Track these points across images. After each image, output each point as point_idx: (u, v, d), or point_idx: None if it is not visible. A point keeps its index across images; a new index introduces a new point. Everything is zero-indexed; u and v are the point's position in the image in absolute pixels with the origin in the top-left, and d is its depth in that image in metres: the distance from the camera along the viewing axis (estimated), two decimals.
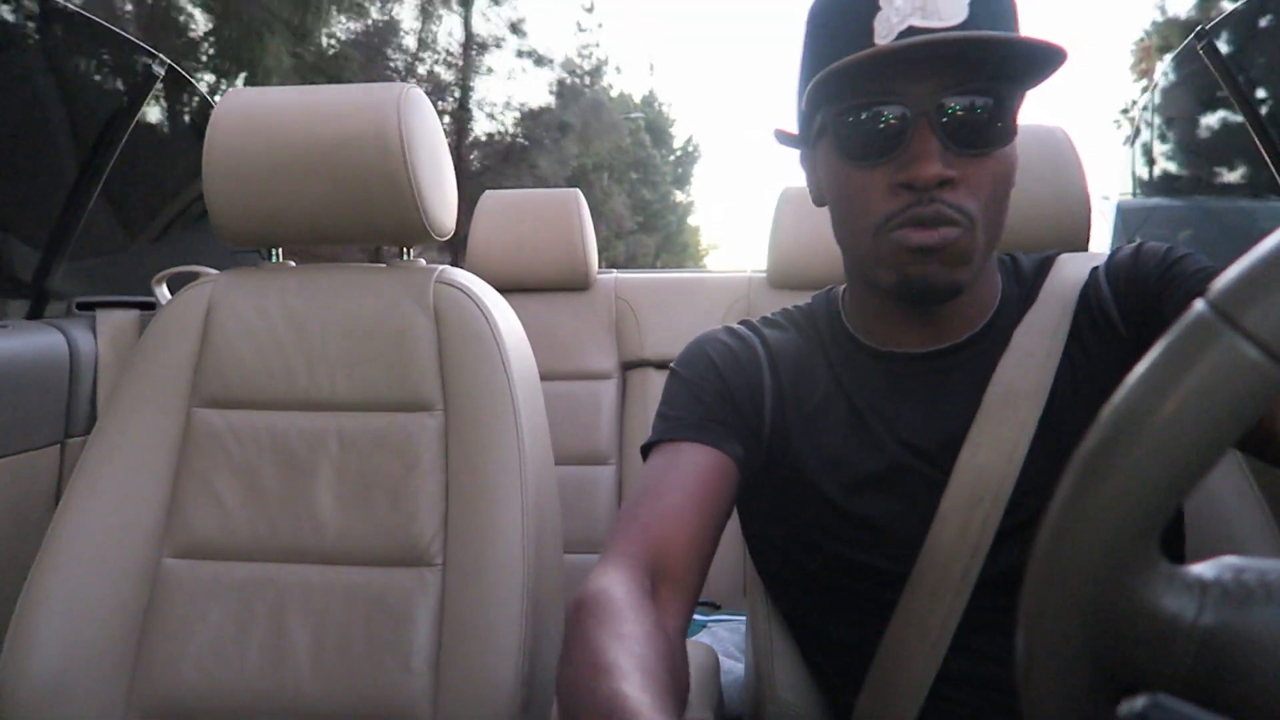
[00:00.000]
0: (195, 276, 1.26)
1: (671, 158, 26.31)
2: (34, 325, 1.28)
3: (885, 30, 0.68)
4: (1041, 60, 0.69)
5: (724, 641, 1.03)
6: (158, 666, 0.99)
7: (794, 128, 0.84)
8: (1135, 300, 0.76)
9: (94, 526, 1.02)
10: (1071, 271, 0.81)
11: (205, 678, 0.99)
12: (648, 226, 23.46)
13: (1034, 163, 1.26)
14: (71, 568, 1.00)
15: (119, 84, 1.50)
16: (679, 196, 26.55)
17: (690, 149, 27.23)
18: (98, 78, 1.52)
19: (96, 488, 1.04)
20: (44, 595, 0.99)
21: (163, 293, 1.41)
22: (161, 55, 1.56)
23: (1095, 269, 0.80)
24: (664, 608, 0.66)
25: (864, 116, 0.71)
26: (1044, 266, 0.84)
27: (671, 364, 0.86)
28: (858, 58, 0.66)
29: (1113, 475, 0.34)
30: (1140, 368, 0.35)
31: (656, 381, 1.98)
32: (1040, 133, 1.34)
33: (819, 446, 0.80)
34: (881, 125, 0.70)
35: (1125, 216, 3.16)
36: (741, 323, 0.89)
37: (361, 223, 1.12)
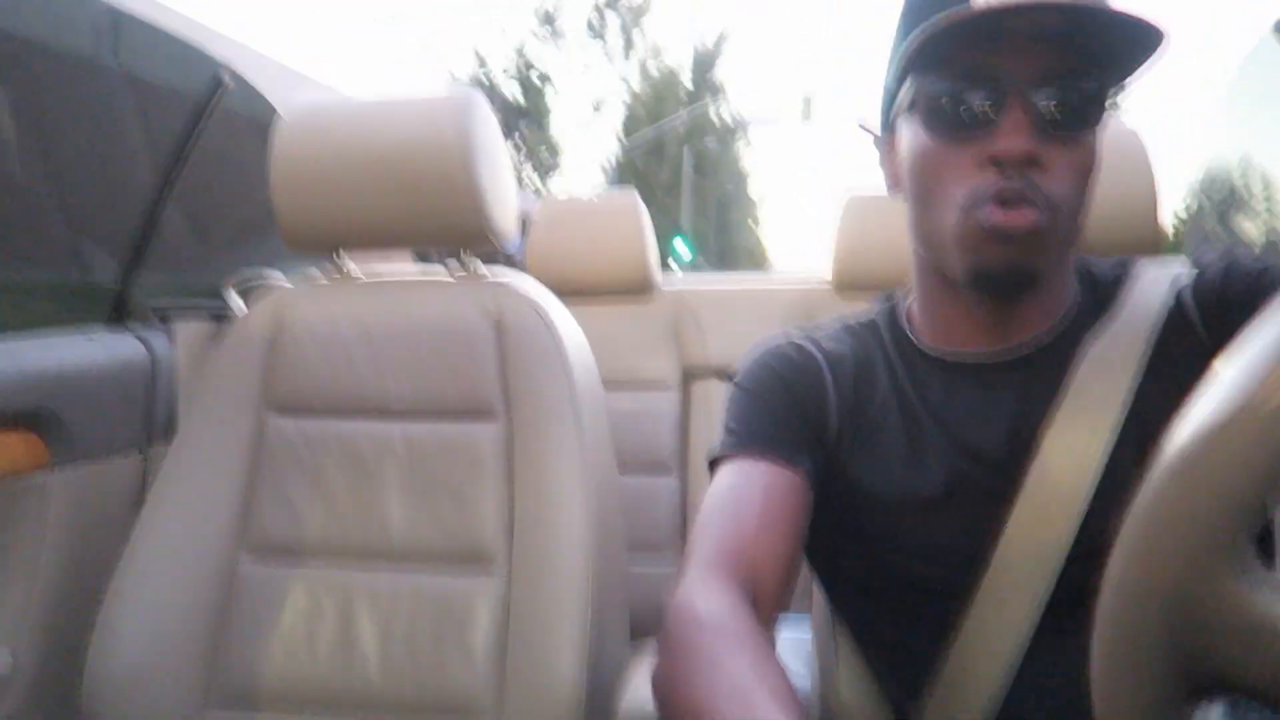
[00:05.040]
0: (263, 279, 1.29)
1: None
2: (114, 333, 1.33)
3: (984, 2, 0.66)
4: (1141, 45, 0.67)
5: (787, 645, 1.03)
6: (234, 661, 1.03)
7: (872, 123, 0.84)
8: (1222, 317, 0.73)
9: (175, 529, 1.06)
10: (1154, 281, 0.78)
11: (278, 674, 1.02)
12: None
13: (1105, 165, 1.23)
14: (154, 568, 1.04)
15: (189, 93, 1.54)
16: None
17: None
18: (168, 87, 1.56)
19: (177, 492, 1.08)
20: (128, 593, 1.03)
21: (233, 298, 1.45)
22: (229, 65, 1.60)
23: (1181, 281, 0.77)
24: None
25: (957, 89, 0.70)
26: (1121, 274, 0.81)
27: (734, 376, 0.86)
28: (960, 16, 0.66)
29: (1207, 466, 0.33)
30: (1238, 354, 0.34)
31: (719, 390, 1.96)
32: (1111, 134, 1.31)
33: (879, 457, 0.79)
34: (975, 99, 0.69)
35: None
36: (799, 333, 0.88)
37: (425, 227, 1.14)
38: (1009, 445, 0.75)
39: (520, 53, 27.15)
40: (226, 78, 1.59)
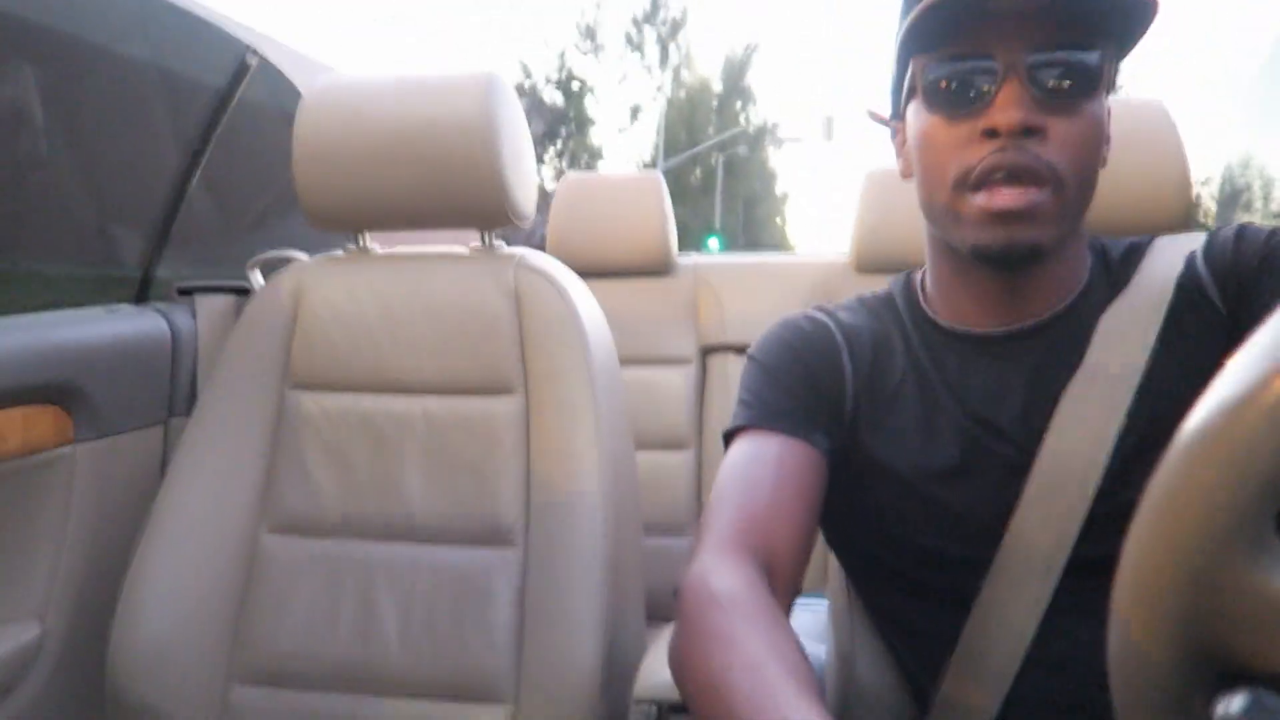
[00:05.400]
0: (288, 260, 1.30)
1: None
2: (139, 310, 1.34)
3: None
4: (1135, 16, 0.68)
5: (805, 624, 1.02)
6: (256, 637, 1.04)
7: (882, 112, 0.85)
8: (1235, 283, 0.73)
9: (196, 503, 1.07)
10: (1168, 256, 0.78)
11: (299, 648, 1.03)
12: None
13: (1130, 139, 1.20)
14: (176, 542, 1.05)
15: (214, 75, 1.56)
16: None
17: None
18: (195, 69, 1.58)
19: (198, 466, 1.09)
20: (151, 568, 1.04)
21: (256, 277, 1.46)
22: (254, 47, 1.61)
23: (1193, 252, 0.77)
24: None
25: (956, 67, 0.71)
26: (1135, 251, 0.81)
27: (749, 350, 0.86)
28: None
29: (1228, 443, 0.32)
30: (1260, 333, 0.33)
31: (737, 366, 1.96)
32: (1137, 106, 1.28)
33: (895, 431, 0.79)
34: (972, 76, 0.70)
35: None
36: (816, 308, 0.88)
37: (446, 207, 1.14)
38: (1024, 417, 0.75)
39: (563, 62, 31.12)
40: (252, 61, 1.60)
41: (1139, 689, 0.37)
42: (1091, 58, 0.70)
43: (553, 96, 30.48)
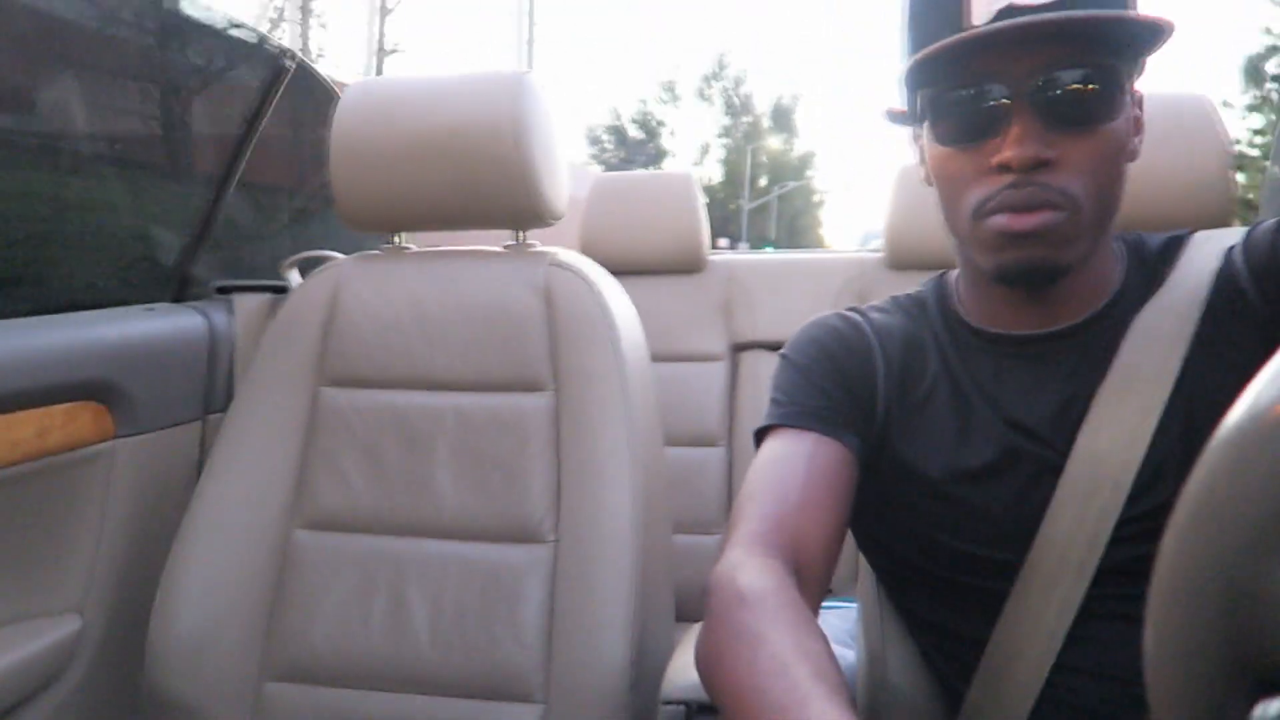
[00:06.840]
0: (322, 260, 1.31)
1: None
2: (178, 308, 1.37)
3: (982, 9, 0.66)
4: (1149, 34, 0.66)
5: (835, 629, 1.02)
6: (288, 632, 1.05)
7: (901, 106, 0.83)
8: (1275, 280, 0.71)
9: (231, 499, 1.09)
10: (1206, 251, 0.76)
11: (331, 644, 1.04)
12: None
13: (1172, 133, 1.18)
14: (212, 538, 1.07)
15: (252, 79, 1.58)
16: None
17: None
18: (232, 73, 1.60)
19: (233, 463, 1.11)
20: (187, 563, 1.06)
21: (293, 277, 1.48)
22: (291, 50, 1.63)
23: (1232, 247, 0.75)
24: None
25: (962, 99, 0.70)
26: (1173, 247, 0.79)
27: (782, 349, 0.86)
28: (950, 43, 0.66)
29: (1264, 451, 0.31)
30: None
31: (768, 363, 1.95)
32: (1180, 101, 1.26)
33: (927, 433, 0.79)
34: (980, 107, 0.69)
35: None
36: (849, 309, 0.88)
37: (478, 207, 1.15)
38: (1058, 420, 0.74)
39: (644, 106, 40.12)
40: (289, 63, 1.62)
41: (1175, 693, 0.36)
42: (1104, 75, 0.68)
43: (635, 133, 39.40)
